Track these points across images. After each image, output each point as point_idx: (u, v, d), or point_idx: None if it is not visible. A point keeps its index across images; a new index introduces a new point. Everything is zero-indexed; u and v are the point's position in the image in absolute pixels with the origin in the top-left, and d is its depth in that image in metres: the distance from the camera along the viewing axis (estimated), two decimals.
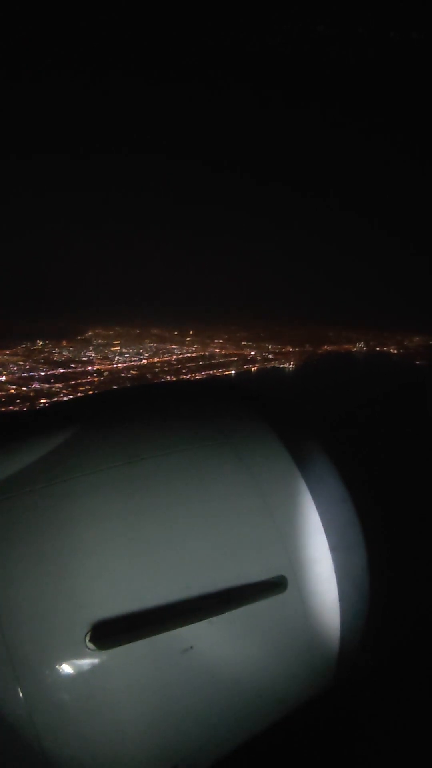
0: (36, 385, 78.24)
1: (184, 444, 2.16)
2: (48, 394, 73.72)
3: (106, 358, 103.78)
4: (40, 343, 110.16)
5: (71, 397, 74.09)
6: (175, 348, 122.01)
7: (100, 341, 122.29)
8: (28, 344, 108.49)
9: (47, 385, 78.08)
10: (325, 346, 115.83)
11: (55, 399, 71.49)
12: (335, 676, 2.20)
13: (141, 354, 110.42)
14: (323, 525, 2.16)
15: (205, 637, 1.83)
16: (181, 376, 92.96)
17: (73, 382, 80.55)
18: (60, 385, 78.10)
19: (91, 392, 75.49)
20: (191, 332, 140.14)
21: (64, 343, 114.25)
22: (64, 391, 75.51)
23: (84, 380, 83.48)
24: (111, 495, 1.92)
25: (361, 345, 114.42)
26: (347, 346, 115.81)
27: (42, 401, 69.68)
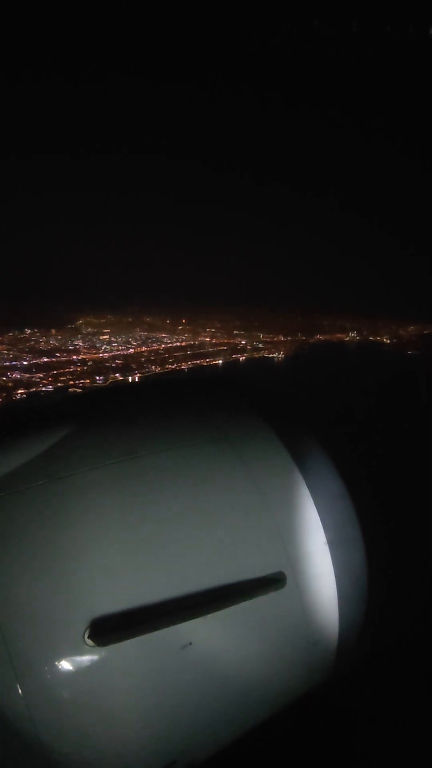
0: (16, 375, 77.57)
1: (182, 441, 2.19)
2: (27, 384, 73.30)
3: (93, 346, 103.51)
4: (28, 331, 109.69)
5: (50, 388, 73.27)
6: (165, 337, 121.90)
7: (90, 330, 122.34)
8: (16, 332, 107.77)
9: (27, 375, 77.50)
10: (318, 336, 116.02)
11: (33, 389, 71.28)
12: (333, 670, 2.25)
13: (129, 343, 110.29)
14: (321, 521, 2.20)
15: (203, 633, 1.86)
16: (167, 366, 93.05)
17: (54, 372, 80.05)
18: (41, 375, 77.57)
19: (71, 382, 75.60)
20: (183, 321, 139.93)
21: (53, 331, 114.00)
22: (44, 382, 75.09)
23: (66, 370, 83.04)
24: (109, 492, 1.95)
25: (354, 334, 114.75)
26: (340, 335, 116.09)
27: (20, 391, 69.43)
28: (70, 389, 73.53)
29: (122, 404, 2.54)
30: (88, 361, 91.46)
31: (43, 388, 72.48)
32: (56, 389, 72.41)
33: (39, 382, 74.50)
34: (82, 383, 76.50)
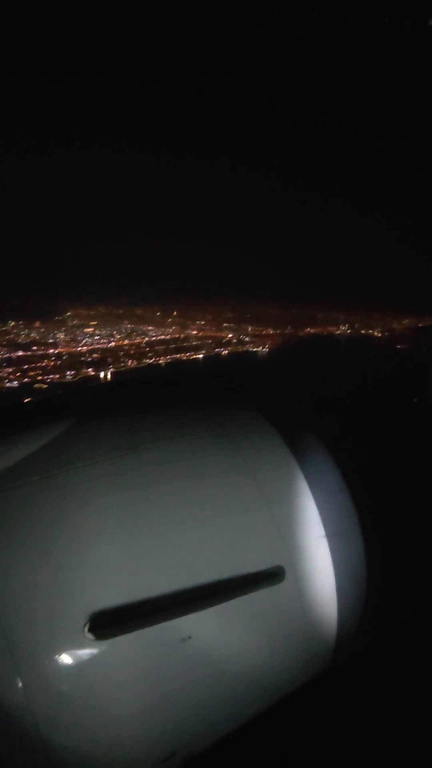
0: None
1: (181, 435, 2.26)
2: None
3: (74, 340, 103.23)
4: (12, 323, 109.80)
5: (15, 384, 72.66)
6: (151, 330, 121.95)
7: (76, 322, 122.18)
8: None
9: None
10: (308, 329, 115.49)
11: None
12: (331, 663, 2.35)
13: (113, 336, 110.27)
14: (320, 515, 2.28)
15: (202, 627, 1.92)
16: (144, 360, 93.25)
17: (24, 367, 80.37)
18: (9, 370, 77.86)
19: (39, 378, 76.00)
20: (174, 313, 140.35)
21: (37, 323, 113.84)
22: (11, 377, 75.47)
23: (38, 365, 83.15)
24: (108, 486, 2.02)
25: (345, 327, 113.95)
26: (331, 328, 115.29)
27: None
28: (35, 385, 74.08)
29: (121, 399, 2.62)
30: (64, 355, 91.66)
31: (8, 384, 72.75)
32: (21, 385, 72.77)
33: (5, 378, 74.79)
34: (50, 379, 76.94)
